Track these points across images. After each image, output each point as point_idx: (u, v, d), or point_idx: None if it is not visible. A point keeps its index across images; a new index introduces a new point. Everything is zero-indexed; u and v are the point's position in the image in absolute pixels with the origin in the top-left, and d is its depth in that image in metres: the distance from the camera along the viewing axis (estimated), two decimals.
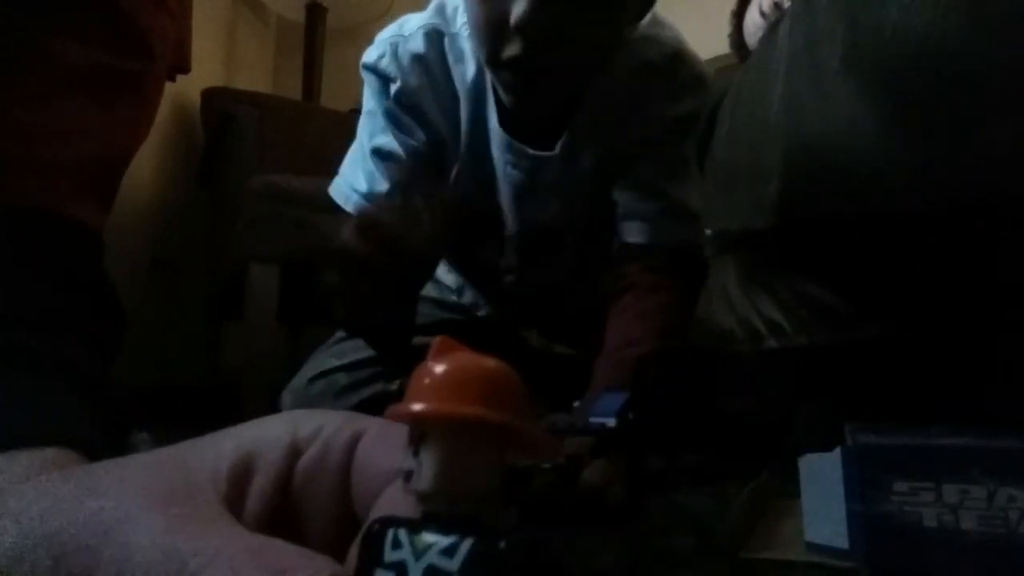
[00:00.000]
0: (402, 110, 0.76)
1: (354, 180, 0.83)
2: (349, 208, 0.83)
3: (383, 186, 0.78)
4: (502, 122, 0.72)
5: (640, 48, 0.76)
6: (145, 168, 1.66)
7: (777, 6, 1.27)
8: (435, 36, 0.75)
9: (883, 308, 1.02)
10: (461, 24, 0.73)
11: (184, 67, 1.54)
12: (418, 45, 0.75)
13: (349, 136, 1.79)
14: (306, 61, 2.01)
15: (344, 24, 2.15)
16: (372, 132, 0.79)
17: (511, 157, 0.75)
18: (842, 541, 0.34)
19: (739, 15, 1.44)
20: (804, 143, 0.96)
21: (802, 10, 1.00)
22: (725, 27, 1.48)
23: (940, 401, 1.00)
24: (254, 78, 2.14)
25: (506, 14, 0.61)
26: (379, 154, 0.78)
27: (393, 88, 0.76)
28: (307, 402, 0.83)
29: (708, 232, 1.58)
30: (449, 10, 0.75)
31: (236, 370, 1.46)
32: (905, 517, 0.32)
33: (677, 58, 0.79)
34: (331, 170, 1.55)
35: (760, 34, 1.29)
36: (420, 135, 0.76)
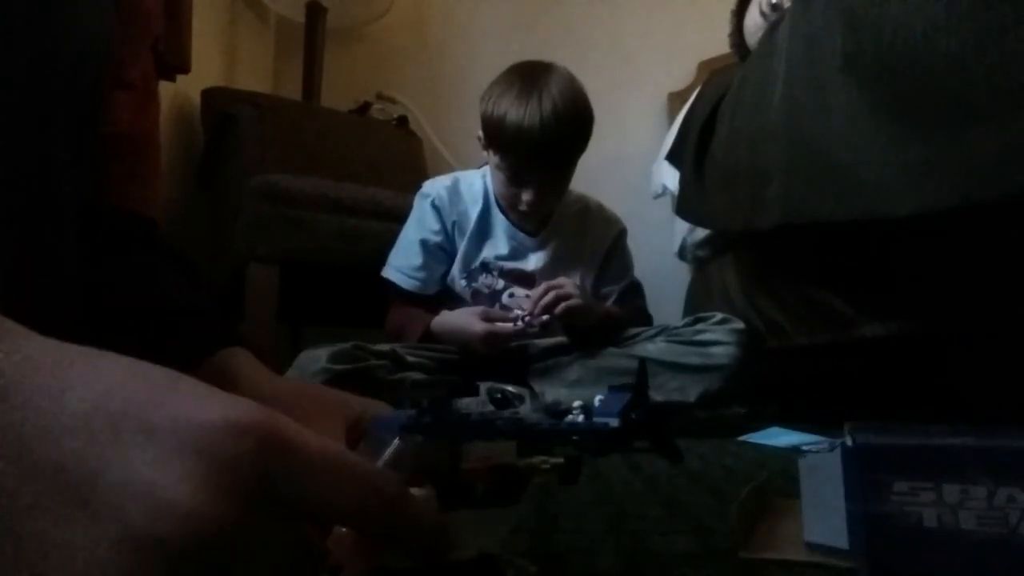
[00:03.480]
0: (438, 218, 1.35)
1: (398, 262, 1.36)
2: (404, 284, 1.34)
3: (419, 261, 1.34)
4: (505, 208, 1.34)
5: (578, 199, 1.42)
6: None
7: (777, 6, 1.27)
8: (456, 179, 1.39)
9: (883, 308, 1.02)
10: (471, 175, 1.40)
11: (184, 67, 1.54)
12: (447, 183, 1.37)
13: (349, 136, 1.79)
14: (306, 61, 2.01)
15: (344, 24, 2.15)
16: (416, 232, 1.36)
17: (512, 233, 1.34)
18: (842, 541, 0.34)
19: (739, 15, 1.44)
20: (804, 143, 0.96)
21: (802, 10, 1.01)
22: (725, 27, 1.48)
23: (940, 401, 1.01)
24: (254, 78, 2.14)
25: (519, 193, 1.24)
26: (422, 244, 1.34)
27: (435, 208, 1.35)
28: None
29: (707, 232, 1.58)
30: (462, 173, 1.43)
31: None
32: (905, 517, 0.32)
33: (600, 204, 1.46)
34: (331, 170, 1.55)
35: (760, 34, 1.29)
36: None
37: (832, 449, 0.35)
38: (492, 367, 1.15)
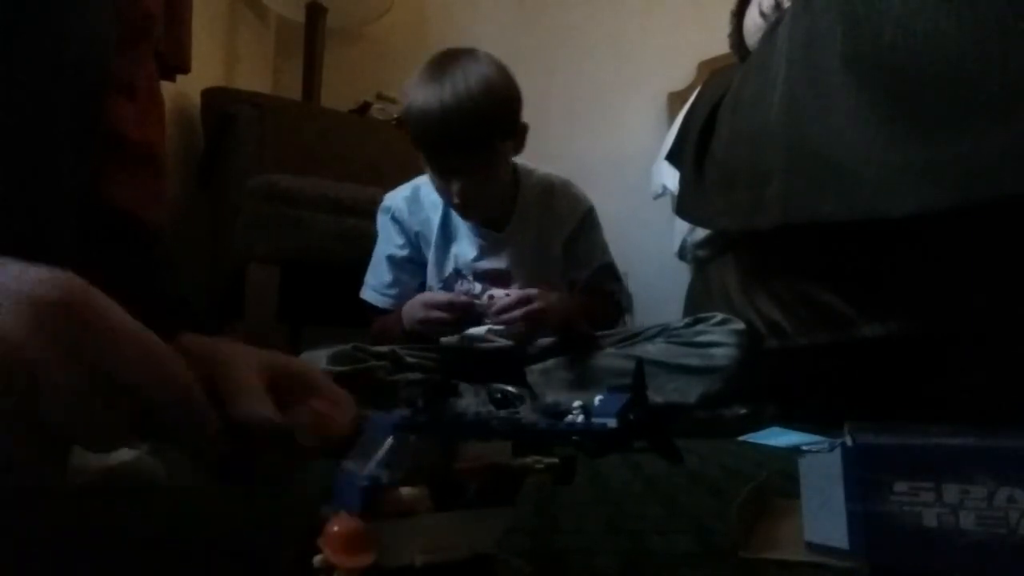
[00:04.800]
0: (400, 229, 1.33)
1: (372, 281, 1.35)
2: (379, 303, 1.32)
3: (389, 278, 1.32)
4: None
5: (540, 179, 1.35)
6: None
7: (777, 6, 1.27)
8: (416, 188, 1.34)
9: (883, 308, 1.02)
10: (429, 182, 1.29)
11: (184, 67, 1.54)
12: (406, 193, 1.35)
13: (349, 136, 1.79)
14: (306, 61, 2.01)
15: (344, 24, 2.15)
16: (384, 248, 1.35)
17: (477, 232, 1.29)
18: (842, 541, 0.34)
19: (739, 15, 1.44)
20: (804, 143, 0.96)
21: (802, 10, 1.01)
22: (725, 27, 1.48)
23: (940, 401, 1.01)
24: (254, 78, 2.14)
25: (447, 185, 1.18)
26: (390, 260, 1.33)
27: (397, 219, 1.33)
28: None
29: (707, 232, 1.58)
30: (422, 179, 1.34)
31: None
32: (905, 517, 0.32)
33: (566, 182, 1.37)
34: (331, 170, 1.55)
35: (760, 34, 1.29)
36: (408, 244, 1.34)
37: (832, 449, 0.35)
38: (491, 368, 1.15)
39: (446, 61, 1.15)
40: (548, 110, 2.33)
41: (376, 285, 1.33)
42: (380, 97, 2.15)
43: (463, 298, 1.18)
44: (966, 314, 0.92)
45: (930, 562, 0.31)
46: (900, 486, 0.32)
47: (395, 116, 2.03)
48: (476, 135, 1.14)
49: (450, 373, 1.19)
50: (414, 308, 1.18)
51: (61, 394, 0.24)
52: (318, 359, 1.04)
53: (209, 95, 1.74)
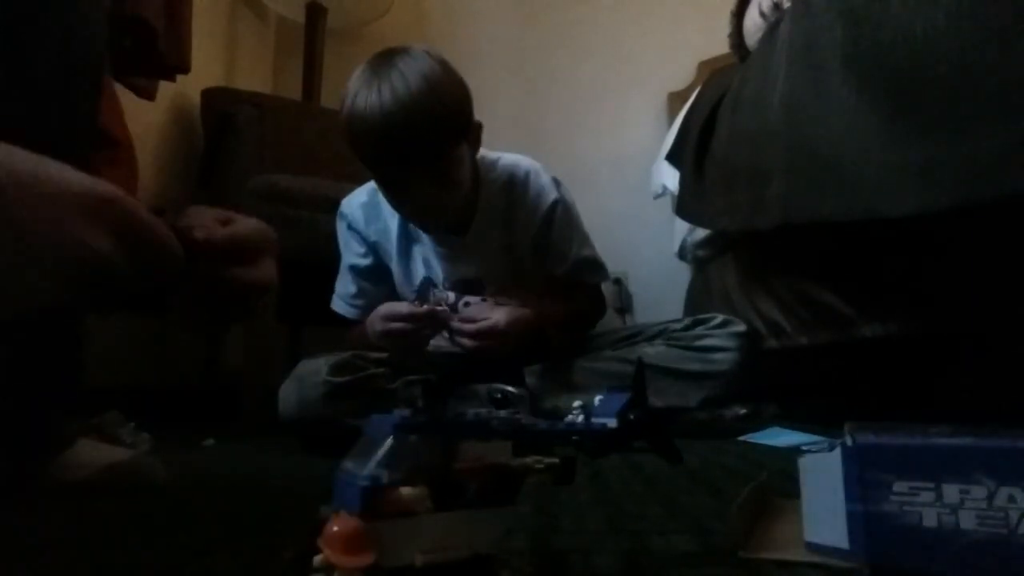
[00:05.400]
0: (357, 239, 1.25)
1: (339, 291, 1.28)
2: (347, 313, 1.27)
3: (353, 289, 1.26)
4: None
5: (503, 169, 1.22)
6: (145, 168, 1.66)
7: (777, 6, 1.27)
8: (373, 192, 1.22)
9: (883, 308, 1.02)
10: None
11: (184, 67, 1.54)
12: (363, 199, 1.25)
13: None
14: (306, 61, 2.01)
15: (344, 24, 2.15)
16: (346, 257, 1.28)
17: (438, 242, 1.20)
18: (842, 541, 0.34)
19: (739, 15, 1.44)
20: (804, 143, 0.96)
21: (802, 10, 1.01)
22: (725, 27, 1.48)
23: (940, 401, 1.00)
24: (254, 78, 2.14)
25: (401, 203, 1.12)
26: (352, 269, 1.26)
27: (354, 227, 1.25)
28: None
29: (707, 232, 1.58)
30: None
31: (236, 370, 1.46)
32: (905, 517, 0.32)
33: (531, 171, 1.23)
34: (331, 170, 1.54)
35: (760, 34, 1.29)
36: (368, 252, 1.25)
37: (832, 449, 0.35)
38: (490, 369, 1.14)
39: (381, 62, 1.03)
40: (548, 110, 2.33)
41: (343, 294, 1.27)
42: None
43: (423, 308, 1.09)
44: (966, 314, 0.92)
45: (930, 562, 0.31)
46: (900, 486, 0.32)
47: None
48: (425, 143, 1.01)
49: (450, 376, 1.18)
50: (375, 321, 1.10)
51: (116, 263, 0.33)
52: (318, 367, 1.02)
53: (209, 95, 1.74)
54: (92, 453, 0.64)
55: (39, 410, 0.61)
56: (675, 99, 2.20)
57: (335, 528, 0.24)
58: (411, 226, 1.20)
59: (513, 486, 0.29)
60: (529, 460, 0.30)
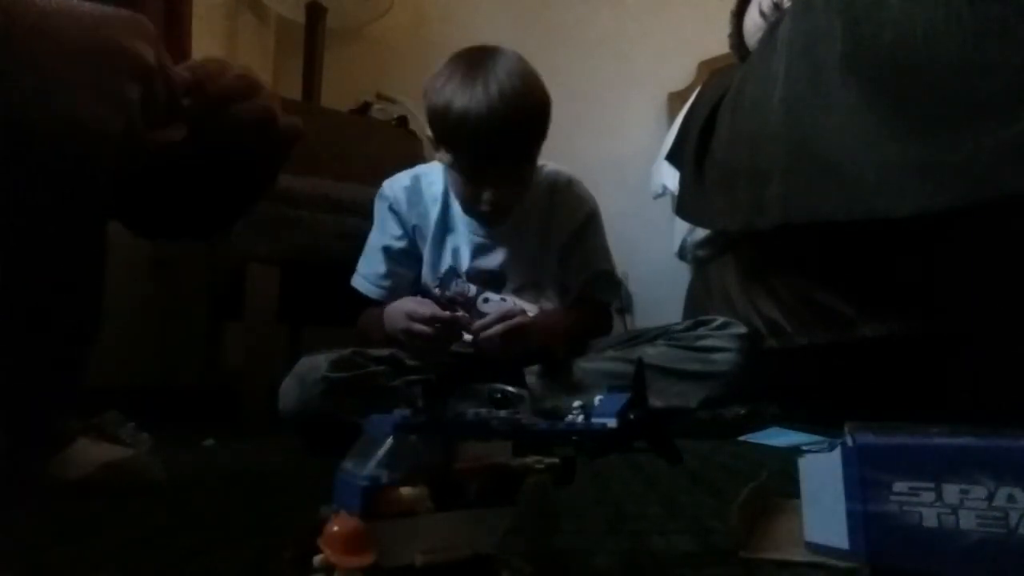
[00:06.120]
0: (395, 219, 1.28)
1: (365, 270, 1.29)
2: (371, 293, 1.27)
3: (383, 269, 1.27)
4: (465, 211, 1.24)
5: (548, 174, 1.30)
6: None
7: (777, 6, 1.27)
8: (416, 177, 1.29)
9: (883, 308, 1.02)
10: (431, 172, 1.29)
11: None
12: (406, 182, 1.29)
13: (349, 136, 1.77)
14: (306, 61, 2.01)
15: (344, 24, 2.15)
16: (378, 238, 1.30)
17: (474, 229, 1.25)
18: (842, 541, 0.34)
19: (739, 15, 1.44)
20: (804, 143, 0.96)
21: (802, 10, 1.01)
22: (725, 27, 1.48)
23: (940, 401, 1.00)
24: None
25: (479, 193, 1.14)
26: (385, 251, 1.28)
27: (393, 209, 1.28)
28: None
29: (708, 232, 1.58)
30: (423, 169, 1.32)
31: (236, 370, 1.46)
32: (905, 517, 0.32)
33: (572, 180, 1.32)
34: (331, 170, 1.54)
35: (760, 34, 1.29)
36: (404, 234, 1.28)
37: (832, 449, 0.35)
38: (489, 369, 1.14)
39: (477, 60, 1.09)
40: None
41: (369, 274, 1.28)
42: (380, 97, 2.15)
43: (445, 313, 1.11)
44: (966, 314, 0.92)
45: (930, 562, 0.31)
46: (900, 486, 0.32)
47: (395, 116, 2.03)
48: (525, 138, 1.10)
49: (450, 375, 1.18)
50: (397, 316, 1.13)
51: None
52: (318, 364, 1.02)
53: None
54: (91, 452, 0.64)
55: (39, 409, 0.61)
56: (675, 99, 2.20)
57: (335, 528, 0.24)
58: (449, 218, 1.25)
59: (513, 486, 0.29)
60: (529, 460, 0.30)
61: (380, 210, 1.29)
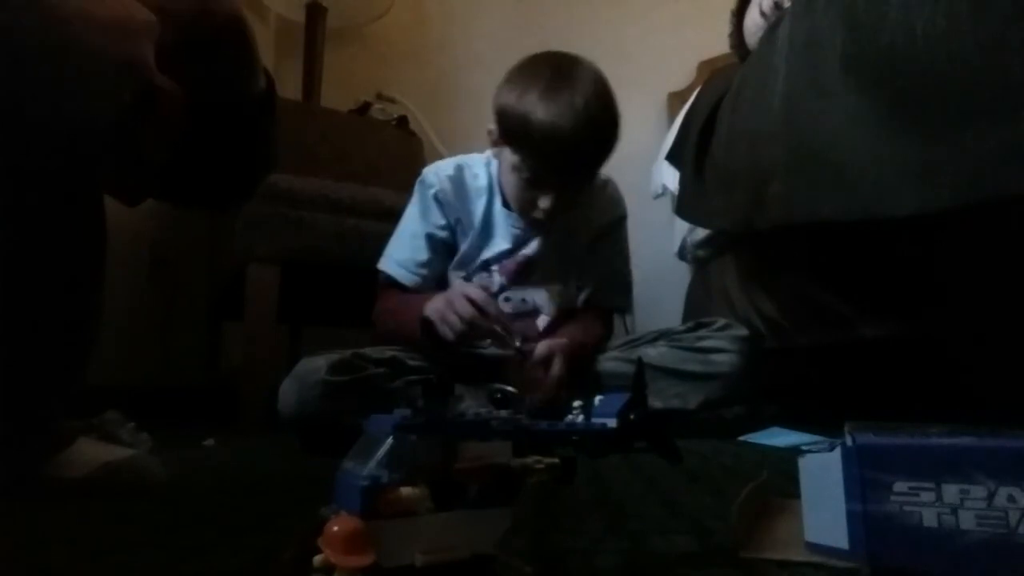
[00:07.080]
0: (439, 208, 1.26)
1: (400, 255, 1.26)
2: (405, 280, 1.24)
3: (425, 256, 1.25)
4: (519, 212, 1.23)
5: None
6: None
7: (777, 6, 1.27)
8: (459, 168, 1.27)
9: (883, 308, 1.02)
10: (475, 164, 1.29)
11: None
12: (450, 172, 1.27)
13: (349, 136, 1.76)
14: (306, 61, 2.01)
15: (344, 24, 2.15)
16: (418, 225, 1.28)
17: (514, 224, 1.25)
18: (842, 541, 0.34)
19: (739, 15, 1.44)
20: (804, 143, 0.96)
21: (802, 10, 1.01)
22: (725, 27, 1.48)
23: (940, 401, 1.00)
24: None
25: (535, 198, 1.14)
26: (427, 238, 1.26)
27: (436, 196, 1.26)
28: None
29: (707, 232, 1.58)
30: (465, 160, 1.30)
31: (236, 370, 1.46)
32: (905, 517, 0.32)
33: (610, 182, 1.34)
34: (331, 170, 1.53)
35: (760, 34, 1.29)
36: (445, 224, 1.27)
37: (832, 449, 0.35)
38: (489, 370, 1.14)
39: (563, 69, 1.11)
40: None
41: (405, 260, 1.24)
42: (380, 97, 2.15)
43: (483, 323, 1.08)
44: (966, 314, 0.92)
45: (930, 562, 0.31)
46: (900, 486, 0.32)
47: (395, 116, 2.03)
48: (600, 154, 1.14)
49: (450, 376, 1.16)
50: (438, 301, 1.10)
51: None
52: (317, 366, 1.02)
53: None
54: (91, 452, 0.64)
55: (39, 409, 0.61)
56: (675, 99, 2.20)
57: (335, 528, 0.24)
58: (492, 214, 1.25)
59: (513, 486, 0.29)
60: (529, 460, 0.30)
61: (424, 197, 1.26)
